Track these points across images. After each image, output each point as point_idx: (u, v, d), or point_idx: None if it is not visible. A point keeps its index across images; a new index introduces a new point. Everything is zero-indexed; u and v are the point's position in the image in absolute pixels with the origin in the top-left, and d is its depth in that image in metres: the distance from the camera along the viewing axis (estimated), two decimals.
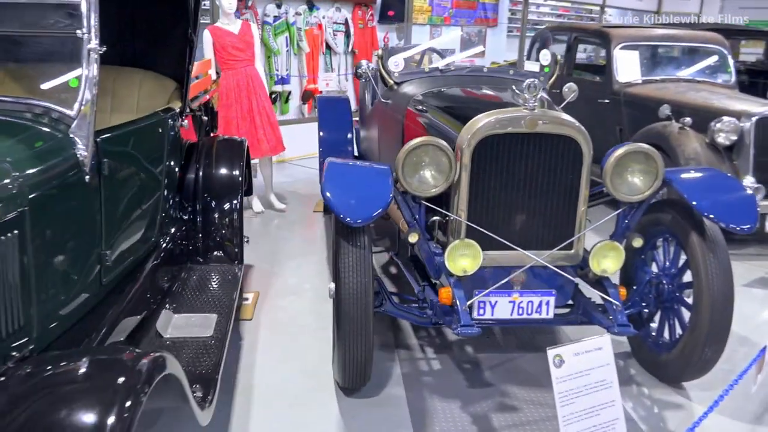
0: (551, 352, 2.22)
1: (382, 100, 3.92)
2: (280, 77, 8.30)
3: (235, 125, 5.20)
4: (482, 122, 2.66)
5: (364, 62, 3.89)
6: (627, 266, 3.15)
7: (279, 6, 8.45)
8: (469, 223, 2.70)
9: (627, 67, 5.87)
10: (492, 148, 2.67)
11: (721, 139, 4.78)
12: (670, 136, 4.89)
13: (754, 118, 4.77)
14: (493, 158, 2.69)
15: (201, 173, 3.45)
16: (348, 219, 2.51)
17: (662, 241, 3.08)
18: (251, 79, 5.23)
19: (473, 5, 11.89)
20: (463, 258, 2.65)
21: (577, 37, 6.52)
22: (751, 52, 10.26)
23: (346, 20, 9.43)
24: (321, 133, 5.06)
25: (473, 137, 2.65)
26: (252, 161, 5.55)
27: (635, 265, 3.14)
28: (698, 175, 2.98)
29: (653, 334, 3.11)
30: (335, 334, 2.68)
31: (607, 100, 5.89)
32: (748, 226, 2.65)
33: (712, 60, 6.19)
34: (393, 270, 4.31)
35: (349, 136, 4.93)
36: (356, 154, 5.12)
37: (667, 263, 3.04)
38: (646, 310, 3.06)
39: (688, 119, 4.88)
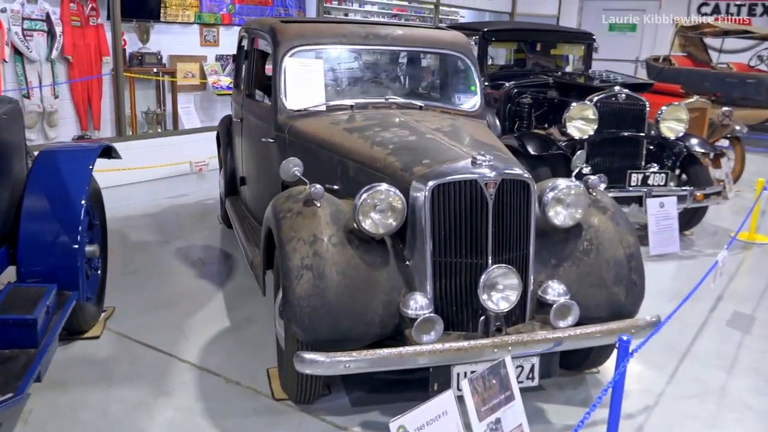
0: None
1: None
2: None
3: None
4: None
5: None
6: None
7: None
8: None
9: (300, 86, 3.63)
10: None
11: (368, 225, 2.60)
12: (283, 219, 2.66)
13: (430, 184, 2.61)
14: None
15: None
16: None
17: None
18: None
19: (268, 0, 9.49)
20: None
21: (255, 39, 4.26)
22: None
23: (48, 15, 6.90)
24: None
25: None
26: None
27: None
28: None
29: None
30: None
31: (271, 139, 3.65)
32: None
33: (452, 73, 4.08)
34: None
35: None
36: None
37: None
38: None
39: (317, 187, 2.67)
